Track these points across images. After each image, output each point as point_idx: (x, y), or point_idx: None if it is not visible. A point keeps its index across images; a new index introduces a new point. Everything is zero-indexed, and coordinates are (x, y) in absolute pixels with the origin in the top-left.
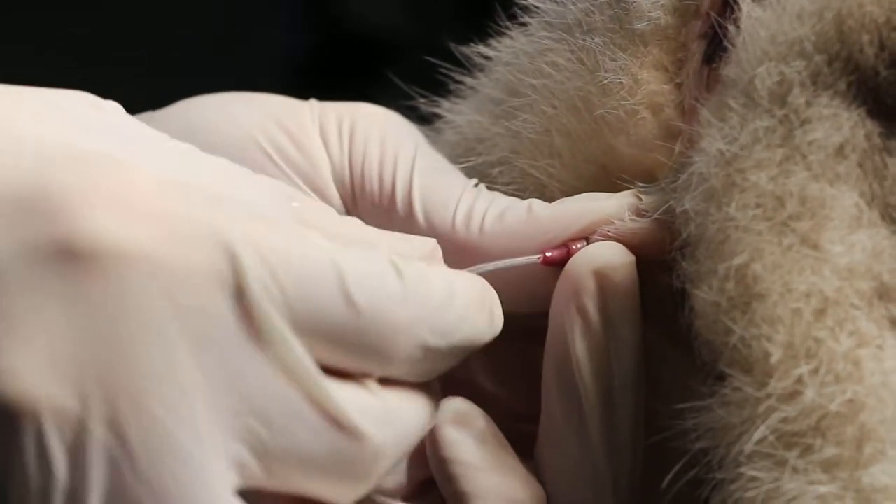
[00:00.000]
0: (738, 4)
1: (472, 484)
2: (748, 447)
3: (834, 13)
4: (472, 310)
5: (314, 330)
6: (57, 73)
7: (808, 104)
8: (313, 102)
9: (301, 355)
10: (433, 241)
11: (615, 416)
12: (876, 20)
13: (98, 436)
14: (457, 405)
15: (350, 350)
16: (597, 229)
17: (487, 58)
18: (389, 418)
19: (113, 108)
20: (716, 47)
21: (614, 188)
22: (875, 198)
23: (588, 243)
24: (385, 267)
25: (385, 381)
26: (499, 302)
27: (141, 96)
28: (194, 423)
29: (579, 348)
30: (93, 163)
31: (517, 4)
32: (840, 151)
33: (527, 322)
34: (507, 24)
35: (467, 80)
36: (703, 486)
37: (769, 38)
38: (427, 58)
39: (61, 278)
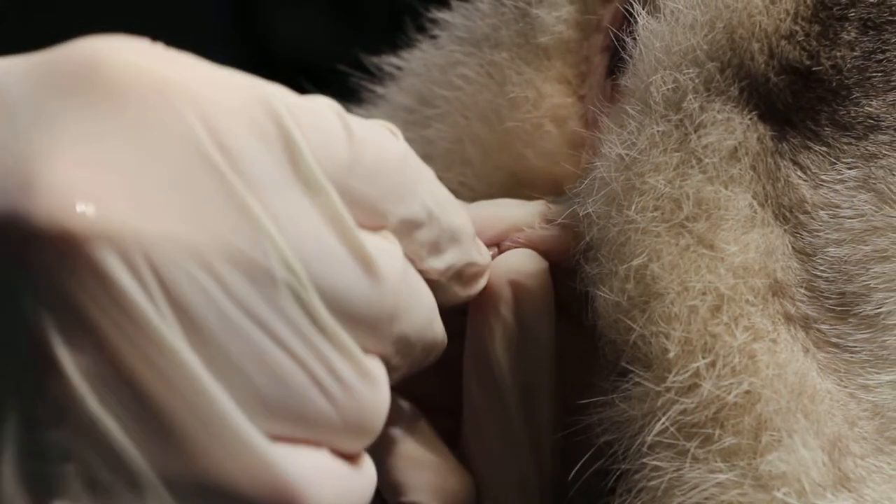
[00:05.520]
0: (635, 18)
1: (404, 474)
2: (650, 438)
3: (725, 23)
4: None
5: (334, 176)
6: None
7: (702, 109)
8: None
9: (340, 203)
10: None
11: (535, 413)
12: (765, 29)
13: (183, 263)
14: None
15: (365, 198)
16: (507, 236)
17: (398, 68)
18: (404, 268)
19: None
20: (617, 60)
21: (525, 196)
22: (768, 198)
23: (499, 249)
24: (379, 126)
25: None
26: None
27: None
28: (265, 250)
29: (499, 353)
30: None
31: (427, 18)
32: (734, 154)
33: None
34: (417, 36)
35: (378, 88)
36: (609, 477)
37: (664, 48)
38: (339, 67)
39: (101, 107)
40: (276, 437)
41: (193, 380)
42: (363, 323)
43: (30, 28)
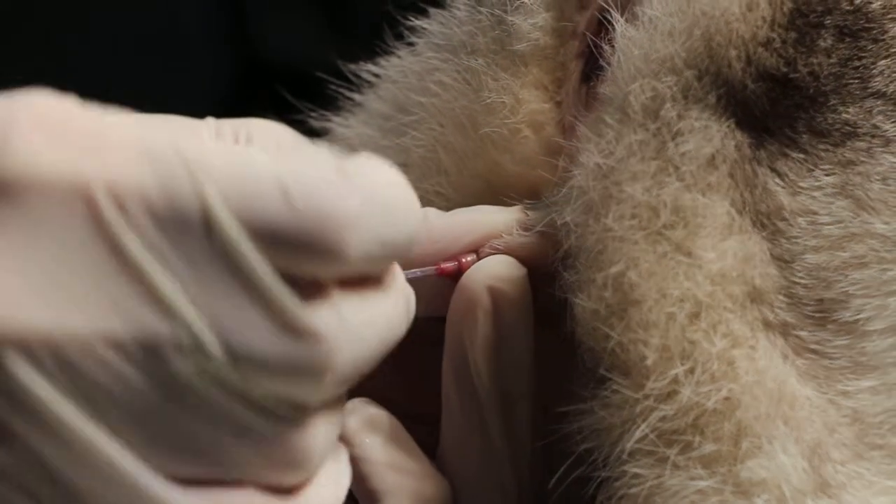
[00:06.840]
0: (612, 25)
1: (382, 482)
2: (630, 445)
3: (702, 30)
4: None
5: (267, 239)
6: None
7: (680, 117)
8: (209, 120)
9: (263, 268)
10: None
11: (514, 422)
12: (742, 36)
13: (93, 352)
14: (365, 407)
15: (303, 254)
16: (486, 242)
17: (376, 75)
18: (344, 325)
19: None
20: (593, 66)
21: (500, 204)
22: (746, 205)
23: (478, 256)
24: (325, 163)
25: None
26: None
27: None
28: (172, 323)
29: (478, 360)
30: (26, 99)
31: (405, 25)
32: (711, 162)
33: (416, 327)
34: (395, 44)
35: (355, 96)
36: (590, 484)
37: (642, 56)
38: (318, 74)
39: (8, 207)
40: (188, 481)
41: (99, 453)
42: (289, 377)
43: (29, 25)
